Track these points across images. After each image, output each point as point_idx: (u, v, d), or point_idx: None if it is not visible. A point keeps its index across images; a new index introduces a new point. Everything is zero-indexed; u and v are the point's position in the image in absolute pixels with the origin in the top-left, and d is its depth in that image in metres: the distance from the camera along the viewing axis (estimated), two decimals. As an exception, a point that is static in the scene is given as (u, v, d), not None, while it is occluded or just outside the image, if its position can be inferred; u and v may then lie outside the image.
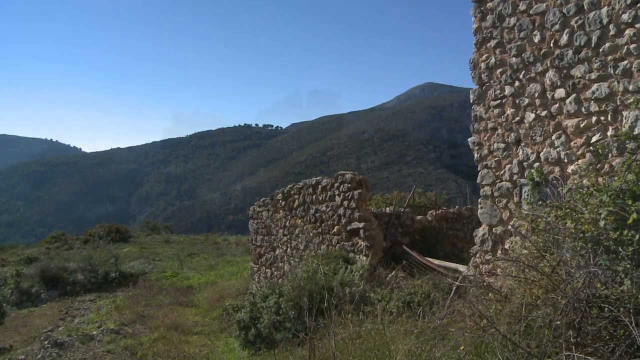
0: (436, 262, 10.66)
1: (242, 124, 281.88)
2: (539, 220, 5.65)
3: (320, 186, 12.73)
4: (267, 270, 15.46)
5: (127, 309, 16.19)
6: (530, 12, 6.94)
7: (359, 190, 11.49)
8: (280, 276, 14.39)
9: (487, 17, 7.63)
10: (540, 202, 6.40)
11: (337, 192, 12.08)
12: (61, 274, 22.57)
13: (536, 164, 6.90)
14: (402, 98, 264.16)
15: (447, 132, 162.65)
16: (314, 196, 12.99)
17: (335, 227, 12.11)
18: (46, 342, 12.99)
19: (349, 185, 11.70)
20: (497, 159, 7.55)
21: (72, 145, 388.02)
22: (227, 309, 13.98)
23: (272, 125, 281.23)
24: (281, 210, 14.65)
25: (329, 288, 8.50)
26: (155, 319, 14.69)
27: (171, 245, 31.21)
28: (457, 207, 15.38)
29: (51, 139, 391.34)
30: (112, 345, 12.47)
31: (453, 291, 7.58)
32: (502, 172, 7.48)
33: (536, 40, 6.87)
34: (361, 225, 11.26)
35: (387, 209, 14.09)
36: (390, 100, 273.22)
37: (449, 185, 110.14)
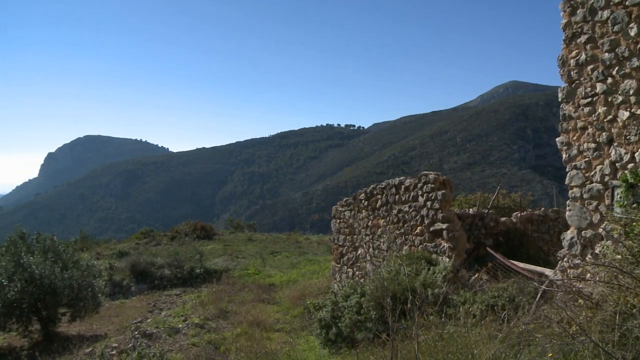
0: (521, 265, 10.36)
1: (325, 124, 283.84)
2: (634, 224, 5.40)
3: (403, 186, 12.63)
4: (349, 269, 15.47)
5: (211, 305, 16.56)
6: (627, 3, 6.59)
7: (443, 191, 11.33)
8: (362, 276, 14.37)
9: (578, 11, 7.34)
10: (634, 205, 6.11)
11: (420, 193, 11.95)
12: (149, 269, 23.38)
13: (630, 165, 6.57)
14: (486, 97, 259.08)
15: (532, 132, 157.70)
16: (396, 196, 12.90)
17: (418, 228, 11.99)
18: (136, 333, 13.50)
19: (432, 185, 11.56)
20: (587, 159, 7.25)
21: (159, 145, 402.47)
22: (308, 308, 14.06)
23: (354, 125, 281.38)
24: (364, 210, 14.62)
25: (412, 289, 8.42)
26: (238, 315, 14.96)
27: (254, 244, 31.71)
28: (542, 209, 14.87)
29: (140, 139, 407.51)
30: (197, 338, 12.79)
31: (539, 295, 7.36)
32: (592, 173, 7.17)
33: (632, 33, 6.53)
34: (444, 226, 11.09)
35: (471, 210, 13.82)
36: (474, 100, 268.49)
37: (534, 186, 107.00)
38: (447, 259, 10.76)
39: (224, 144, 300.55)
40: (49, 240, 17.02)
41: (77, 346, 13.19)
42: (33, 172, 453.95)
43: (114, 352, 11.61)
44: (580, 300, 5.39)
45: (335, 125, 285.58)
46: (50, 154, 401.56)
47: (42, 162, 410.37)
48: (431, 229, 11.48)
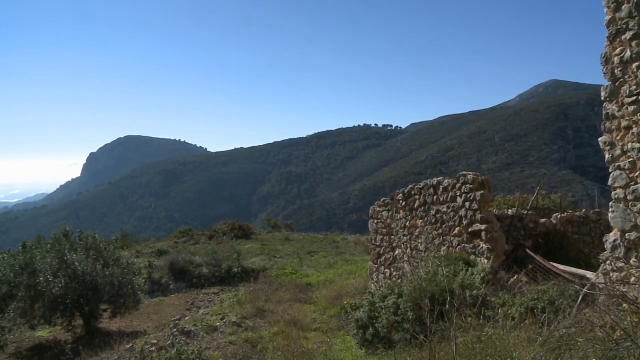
0: (561, 267, 10.17)
1: (362, 124, 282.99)
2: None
3: (441, 186, 12.52)
4: (386, 270, 15.40)
5: (248, 303, 16.66)
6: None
7: (481, 191, 11.19)
8: (399, 276, 14.30)
9: (623, 7, 7.15)
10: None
11: (458, 193, 11.83)
12: (188, 267, 23.63)
13: (677, 165, 6.39)
14: (525, 96, 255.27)
15: (572, 132, 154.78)
16: (434, 197, 12.80)
17: (456, 229, 11.87)
18: (175, 330, 13.66)
19: (470, 186, 11.43)
20: (631, 159, 7.07)
21: (198, 145, 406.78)
22: (345, 307, 14.04)
23: (391, 125, 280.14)
24: (401, 211, 14.54)
25: (450, 290, 8.34)
26: (275, 314, 15.02)
27: (291, 243, 31.81)
28: (583, 210, 14.54)
29: (179, 139, 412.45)
30: (234, 337, 12.88)
31: (580, 299, 7.22)
32: (637, 173, 6.99)
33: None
34: (483, 227, 10.96)
35: (509, 210, 13.60)
36: (512, 99, 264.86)
37: (574, 187, 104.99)
38: (486, 260, 10.63)
39: (261, 143, 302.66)
40: (91, 238, 17.39)
41: (117, 342, 13.42)
42: (76, 172, 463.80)
43: (153, 348, 11.76)
44: (624, 305, 5.26)
45: (373, 125, 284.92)
46: (92, 154, 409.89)
47: (84, 162, 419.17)
48: (469, 229, 11.36)
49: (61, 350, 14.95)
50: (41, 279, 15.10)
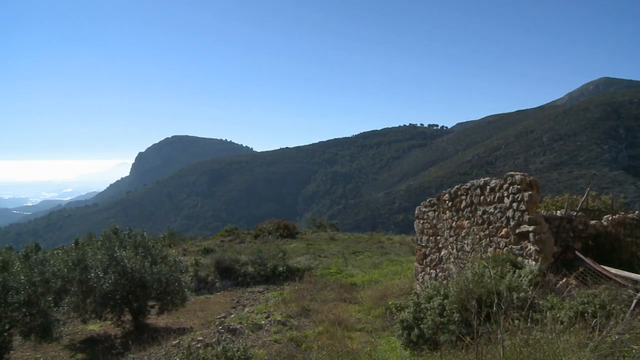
0: (613, 270, 9.91)
1: (408, 124, 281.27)
2: None
3: (488, 187, 12.35)
4: (432, 271, 15.28)
5: (293, 302, 16.73)
6: None
7: (529, 192, 11.00)
8: (444, 277, 14.16)
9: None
10: None
11: (505, 194, 11.65)
12: (233, 266, 23.86)
13: None
14: (575, 95, 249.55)
15: (625, 131, 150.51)
16: (481, 197, 12.64)
17: (503, 230, 11.69)
18: (220, 328, 13.82)
19: (518, 186, 11.24)
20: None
21: (244, 145, 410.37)
22: (390, 308, 13.98)
23: (437, 125, 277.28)
24: (447, 211, 14.41)
25: (497, 292, 8.22)
26: (320, 314, 15.05)
27: (336, 243, 31.80)
28: (637, 212, 14.13)
29: (225, 139, 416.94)
30: (279, 335, 12.96)
31: (634, 304, 7.02)
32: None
33: None
34: (531, 228, 10.77)
35: (558, 212, 13.31)
36: (561, 98, 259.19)
37: (626, 188, 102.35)
38: (534, 262, 10.44)
39: (307, 143, 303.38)
40: (140, 236, 17.76)
41: (164, 338, 13.69)
42: (125, 171, 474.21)
43: (199, 345, 11.93)
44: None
45: (418, 125, 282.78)
46: (140, 154, 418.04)
47: (133, 161, 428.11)
48: (517, 231, 11.18)
49: (111, 345, 15.37)
50: (92, 275, 15.54)
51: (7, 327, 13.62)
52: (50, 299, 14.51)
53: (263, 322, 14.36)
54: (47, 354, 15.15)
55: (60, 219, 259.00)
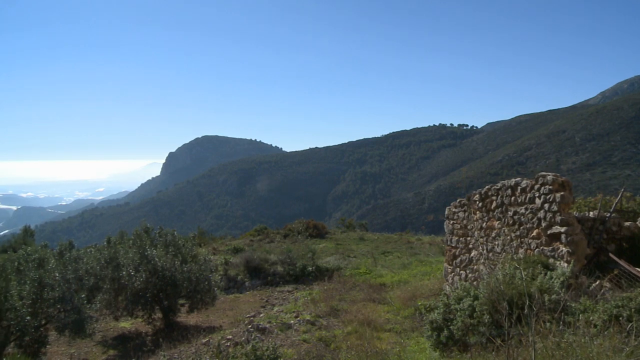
0: (649, 273, 9.72)
1: (437, 124, 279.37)
2: None
3: (519, 187, 12.22)
4: (462, 271, 15.16)
5: (322, 302, 16.75)
6: None
7: (561, 193, 10.85)
8: (474, 279, 14.04)
9: None
10: None
11: (537, 194, 11.51)
12: (263, 265, 23.99)
13: None
14: (608, 94, 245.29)
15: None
16: (512, 198, 12.50)
17: (535, 231, 11.55)
18: (250, 326, 13.89)
19: (550, 187, 11.09)
20: None
21: (273, 145, 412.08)
22: (420, 309, 13.91)
23: (467, 125, 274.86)
24: (478, 212, 14.28)
25: (528, 294, 8.12)
26: (349, 314, 15.04)
27: (365, 243, 31.74)
28: (674, 213, 13.83)
29: (255, 139, 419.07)
30: (308, 335, 12.97)
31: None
32: None
33: None
34: (563, 229, 10.62)
35: (591, 213, 13.11)
36: (594, 97, 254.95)
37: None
38: (566, 264, 10.29)
39: (336, 143, 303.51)
40: (170, 235, 17.96)
41: (194, 336, 13.82)
42: (156, 171, 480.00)
43: (228, 344, 12.01)
44: None
45: (448, 125, 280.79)
46: (171, 154, 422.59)
47: (164, 161, 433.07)
48: (549, 232, 11.03)
49: (142, 342, 15.58)
50: (124, 273, 15.78)
51: (43, 322, 13.91)
52: (83, 296, 14.77)
53: (292, 321, 14.39)
54: (80, 349, 15.47)
55: (93, 218, 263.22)
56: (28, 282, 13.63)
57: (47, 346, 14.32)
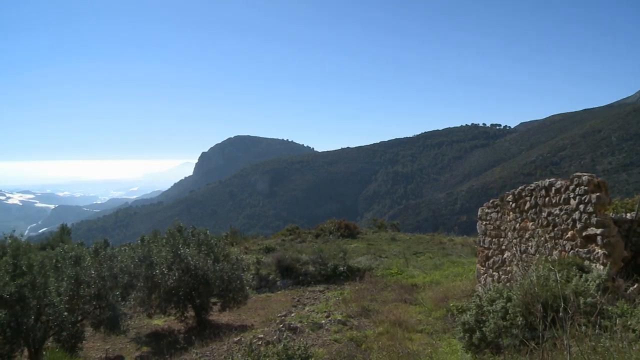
0: (689, 277, 9.50)
1: (470, 124, 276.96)
2: None
3: (553, 188, 12.04)
4: (494, 273, 15.01)
5: (354, 302, 16.73)
6: None
7: (597, 194, 10.66)
8: (507, 280, 13.89)
9: None
10: None
11: (572, 195, 11.33)
12: (294, 265, 24.07)
13: None
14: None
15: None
16: (546, 199, 12.32)
17: (569, 232, 11.37)
18: (281, 326, 13.95)
19: (585, 188, 10.91)
20: None
21: (305, 145, 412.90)
22: (452, 310, 13.81)
23: (500, 125, 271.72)
24: (511, 213, 14.12)
25: (563, 297, 7.99)
26: (380, 314, 14.99)
27: (397, 243, 31.61)
28: None
29: (287, 139, 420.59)
30: (339, 335, 12.97)
31: None
32: None
33: None
34: (599, 231, 10.44)
35: (628, 215, 12.86)
36: (632, 96, 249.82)
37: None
38: (601, 267, 10.11)
39: (368, 143, 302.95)
40: (203, 234, 18.14)
41: (226, 334, 13.94)
42: (189, 171, 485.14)
43: (260, 342, 12.06)
44: None
45: (481, 124, 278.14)
46: (203, 154, 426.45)
47: (196, 161, 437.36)
48: (584, 233, 10.85)
49: (175, 339, 15.77)
50: (157, 271, 15.99)
51: (79, 318, 14.22)
52: (117, 293, 15.01)
53: (323, 321, 14.40)
54: (115, 345, 15.75)
55: (127, 217, 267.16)
56: (65, 279, 13.96)
57: (84, 341, 14.61)
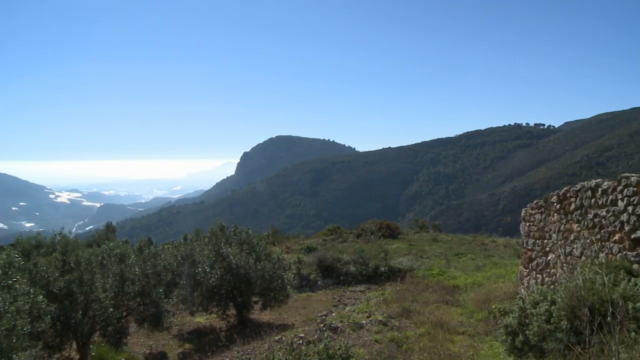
0: None
1: (513, 123, 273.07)
2: None
3: (600, 189, 11.77)
4: (538, 275, 14.76)
5: (395, 303, 16.65)
6: None
7: (646, 195, 10.38)
8: (551, 283, 13.65)
9: None
10: None
11: (619, 197, 11.05)
12: (335, 265, 24.08)
13: None
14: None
15: None
16: (592, 200, 12.06)
17: (617, 235, 11.10)
18: (322, 325, 13.97)
19: (634, 189, 10.63)
20: None
21: (346, 145, 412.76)
22: (494, 312, 13.65)
23: (543, 124, 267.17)
24: (555, 214, 13.86)
25: (611, 301, 7.81)
26: (421, 315, 14.88)
27: (438, 244, 31.34)
28: None
29: (328, 139, 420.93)
30: (379, 335, 12.93)
31: None
32: None
33: None
34: (648, 234, 10.17)
35: (679, 217, 12.51)
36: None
37: None
38: (651, 270, 9.85)
39: (409, 143, 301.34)
40: (244, 233, 18.32)
41: (267, 333, 14.01)
42: (231, 170, 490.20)
43: (301, 342, 12.09)
44: None
45: (524, 124, 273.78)
46: (245, 154, 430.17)
47: (238, 161, 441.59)
48: (632, 236, 10.58)
49: (217, 337, 15.97)
50: (200, 269, 16.22)
51: (124, 314, 14.54)
52: (161, 290, 15.26)
53: (364, 321, 14.38)
54: (158, 341, 16.04)
55: (170, 215, 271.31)
56: (111, 275, 14.27)
57: (128, 337, 14.93)
